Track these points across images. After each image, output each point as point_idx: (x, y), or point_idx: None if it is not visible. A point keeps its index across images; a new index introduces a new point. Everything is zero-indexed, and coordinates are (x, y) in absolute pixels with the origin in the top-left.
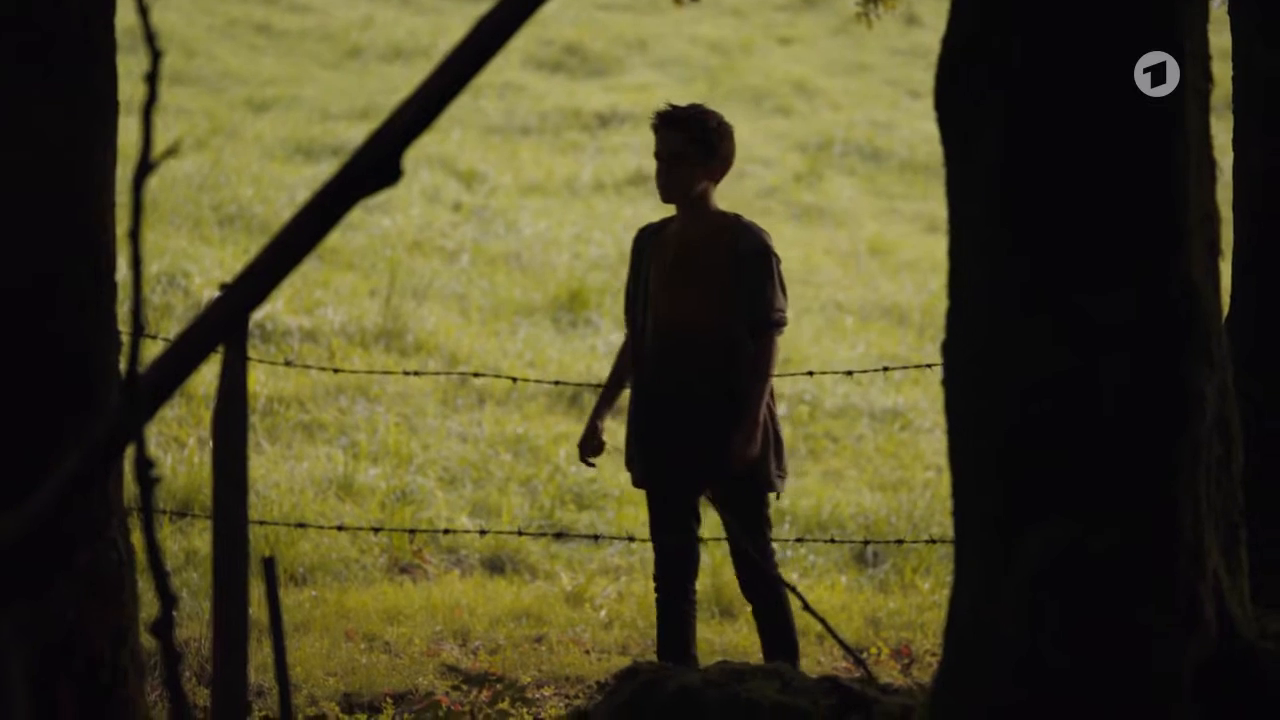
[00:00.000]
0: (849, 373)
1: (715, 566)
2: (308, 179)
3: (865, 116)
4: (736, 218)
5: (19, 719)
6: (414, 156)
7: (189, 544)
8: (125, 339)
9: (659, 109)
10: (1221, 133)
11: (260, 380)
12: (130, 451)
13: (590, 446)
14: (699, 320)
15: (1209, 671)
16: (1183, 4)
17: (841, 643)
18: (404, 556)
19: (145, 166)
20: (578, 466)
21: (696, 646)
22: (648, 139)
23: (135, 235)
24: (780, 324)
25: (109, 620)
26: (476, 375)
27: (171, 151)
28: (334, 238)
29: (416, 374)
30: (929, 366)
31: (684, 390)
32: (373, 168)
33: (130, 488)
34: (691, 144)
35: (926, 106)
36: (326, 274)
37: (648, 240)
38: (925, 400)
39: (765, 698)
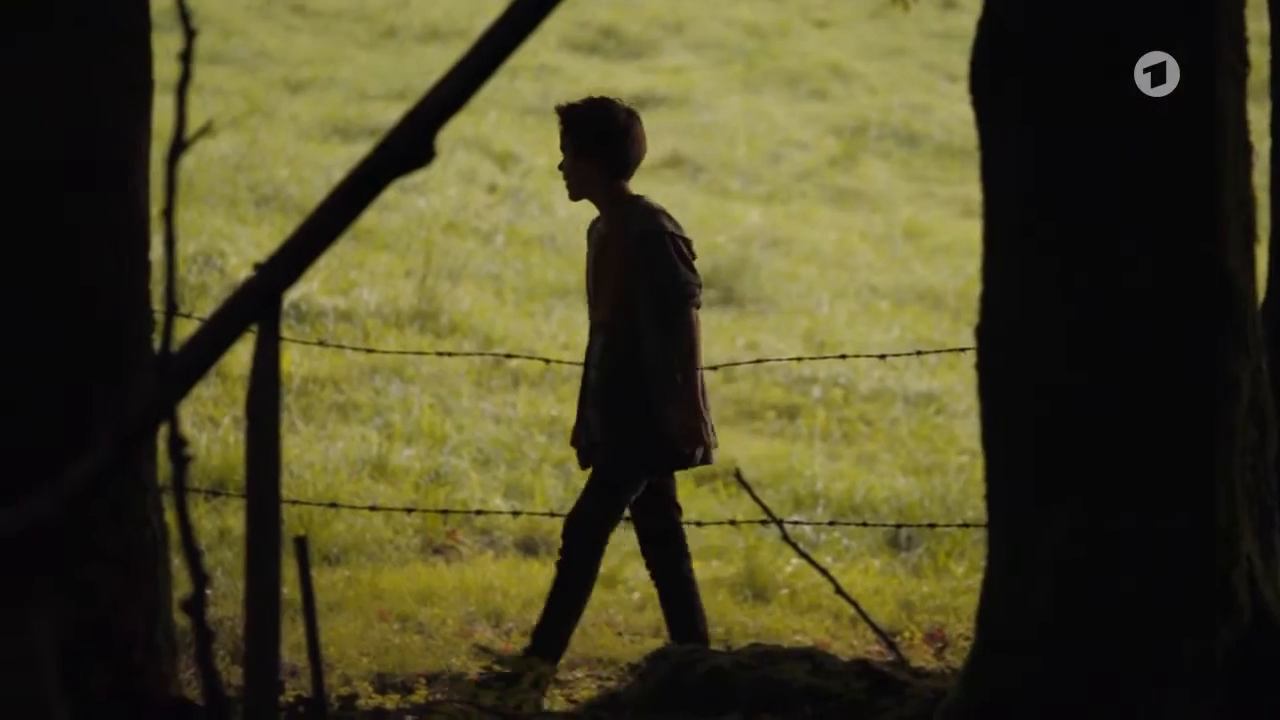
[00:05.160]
0: (883, 356)
1: (748, 549)
2: (343, 159)
3: (902, 100)
4: (632, 202)
5: (52, 697)
6: (449, 138)
7: (223, 523)
8: (160, 318)
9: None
10: (1260, 118)
11: (295, 360)
12: (164, 430)
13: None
14: (610, 315)
15: (1240, 657)
16: None
17: (874, 626)
18: (437, 537)
19: (179, 145)
20: None
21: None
22: (684, 121)
23: (169, 214)
24: (688, 297)
25: (142, 599)
26: (510, 356)
27: (205, 131)
28: (370, 218)
29: (451, 355)
30: (964, 350)
31: (608, 385)
32: (406, 148)
33: (164, 466)
34: (589, 139)
35: (963, 90)
36: (362, 255)
37: (590, 235)
38: (960, 384)
39: (796, 680)
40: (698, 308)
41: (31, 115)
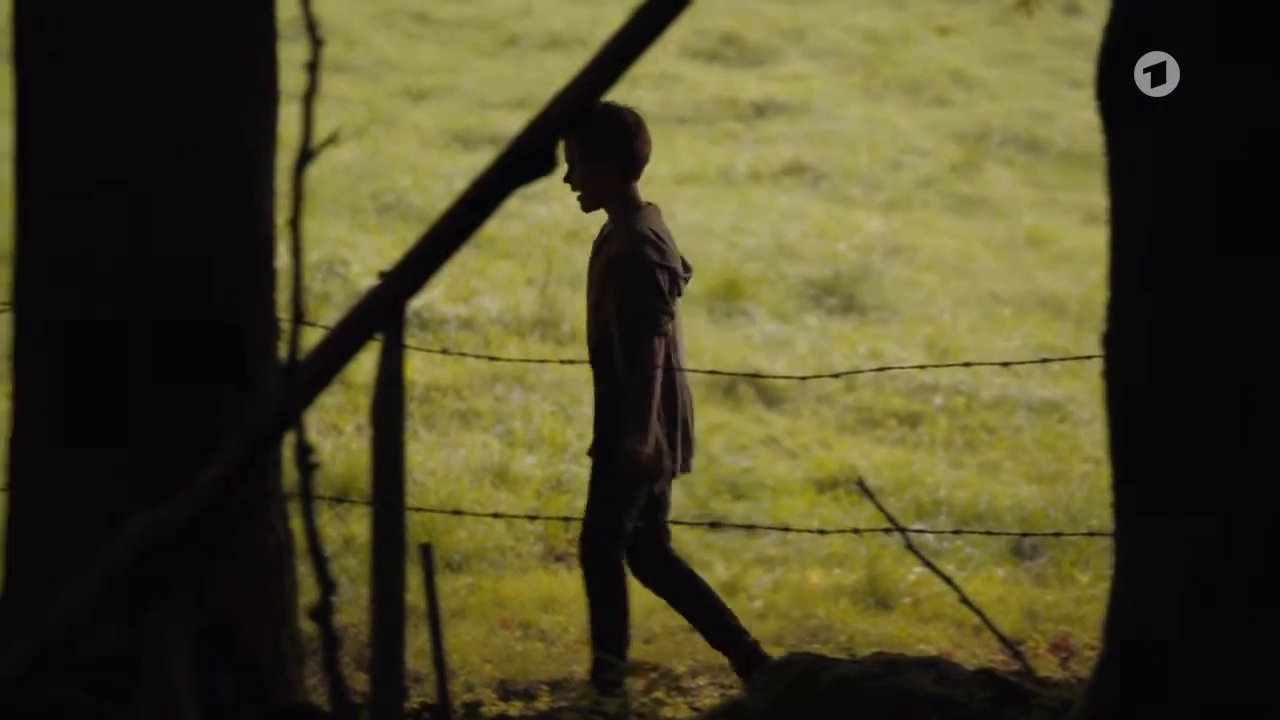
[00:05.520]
0: (1007, 364)
1: (870, 557)
2: (465, 168)
3: (1024, 106)
4: (635, 214)
5: (184, 702)
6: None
7: (347, 530)
8: (286, 326)
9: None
10: None
11: (418, 368)
12: (290, 437)
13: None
14: (599, 328)
15: None
16: None
17: (999, 635)
18: (559, 545)
19: (306, 155)
20: (734, 456)
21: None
22: (805, 129)
23: (296, 223)
24: (651, 327)
25: (269, 605)
26: None
27: (331, 140)
28: (491, 227)
29: (572, 363)
30: (1089, 358)
31: (598, 402)
32: (529, 157)
33: (289, 473)
34: (601, 143)
35: (1087, 96)
36: (483, 262)
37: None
38: (1084, 392)
39: (921, 689)
40: (663, 336)
41: (161, 123)
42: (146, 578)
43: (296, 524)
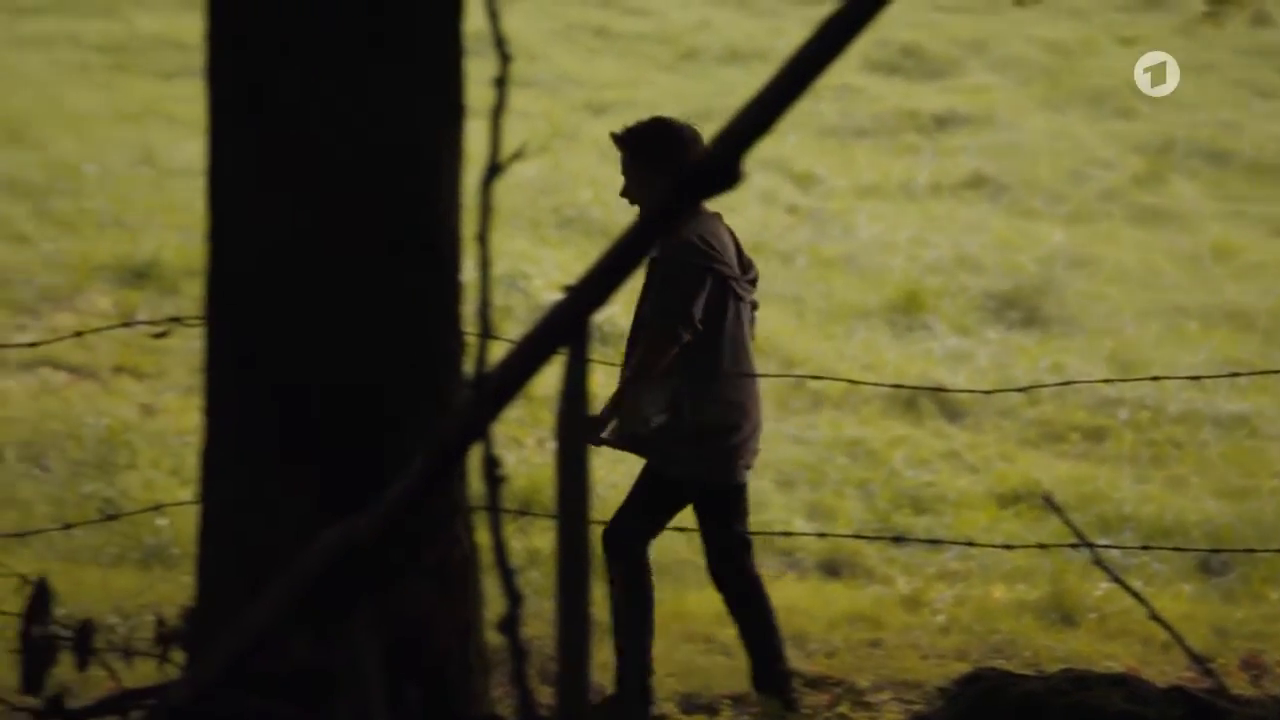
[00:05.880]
0: (1196, 378)
1: (1055, 572)
2: None
3: (1210, 117)
4: (692, 222)
5: (376, 712)
6: (748, 159)
7: (529, 543)
8: (471, 340)
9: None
10: None
11: (600, 382)
12: (476, 450)
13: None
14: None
15: None
16: None
17: (1189, 651)
18: None
19: (494, 169)
20: (915, 470)
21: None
22: (987, 141)
23: (483, 238)
24: (667, 333)
25: (456, 617)
26: (813, 378)
27: (519, 155)
28: None
29: (752, 375)
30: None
31: None
32: (712, 170)
33: (474, 486)
34: (657, 156)
35: (1275, 107)
36: None
37: None
38: (1273, 407)
39: (1110, 706)
40: (675, 343)
41: (348, 131)
42: (337, 589)
43: (482, 536)
